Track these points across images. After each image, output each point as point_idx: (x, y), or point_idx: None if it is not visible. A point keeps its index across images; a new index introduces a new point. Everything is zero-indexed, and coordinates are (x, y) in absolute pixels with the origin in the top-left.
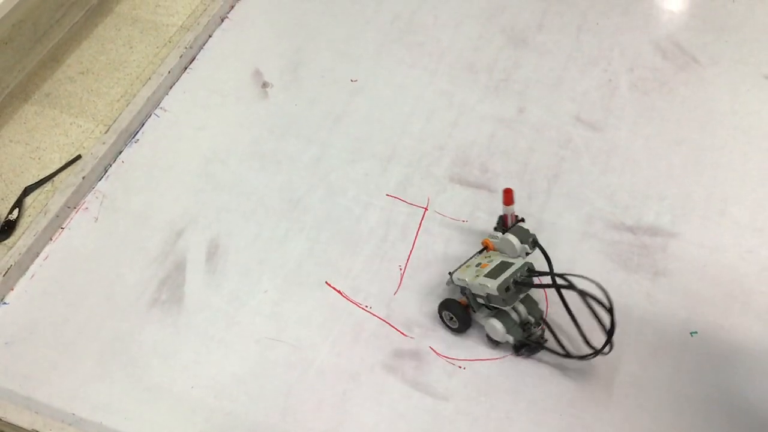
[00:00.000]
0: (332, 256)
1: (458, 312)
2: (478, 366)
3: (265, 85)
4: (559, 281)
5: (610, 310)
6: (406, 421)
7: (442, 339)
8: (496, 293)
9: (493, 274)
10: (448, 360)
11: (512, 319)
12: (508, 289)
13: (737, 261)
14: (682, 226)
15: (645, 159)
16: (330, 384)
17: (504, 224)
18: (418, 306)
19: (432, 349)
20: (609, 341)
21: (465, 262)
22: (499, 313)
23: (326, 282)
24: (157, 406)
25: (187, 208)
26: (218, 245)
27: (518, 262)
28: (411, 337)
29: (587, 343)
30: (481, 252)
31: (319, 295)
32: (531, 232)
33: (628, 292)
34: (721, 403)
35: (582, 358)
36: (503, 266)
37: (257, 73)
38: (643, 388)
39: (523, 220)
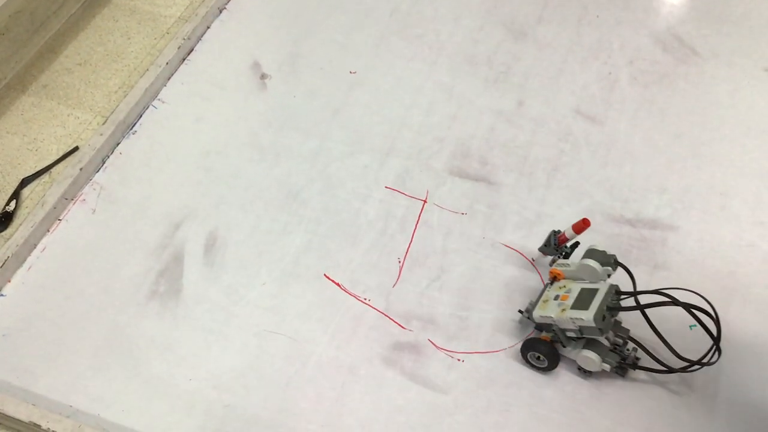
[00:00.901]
0: (331, 248)
1: (546, 350)
2: (477, 359)
3: (263, 76)
4: (655, 298)
5: (716, 320)
6: (404, 414)
7: (441, 332)
8: (592, 324)
9: (580, 304)
10: (447, 353)
11: (604, 345)
12: (603, 317)
13: (737, 254)
14: (681, 219)
15: (644, 152)
16: (329, 377)
17: (557, 245)
18: (417, 299)
19: (431, 341)
20: (717, 348)
21: (539, 298)
22: (589, 343)
23: (325, 274)
24: (155, 399)
25: (185, 200)
26: (217, 237)
27: (602, 287)
28: (410, 330)
29: (679, 356)
30: (551, 283)
31: (318, 287)
32: (609, 252)
33: (628, 286)
34: (720, 397)
35: (684, 370)
36: (587, 294)
37: (256, 65)
38: (641, 382)
39: (578, 244)
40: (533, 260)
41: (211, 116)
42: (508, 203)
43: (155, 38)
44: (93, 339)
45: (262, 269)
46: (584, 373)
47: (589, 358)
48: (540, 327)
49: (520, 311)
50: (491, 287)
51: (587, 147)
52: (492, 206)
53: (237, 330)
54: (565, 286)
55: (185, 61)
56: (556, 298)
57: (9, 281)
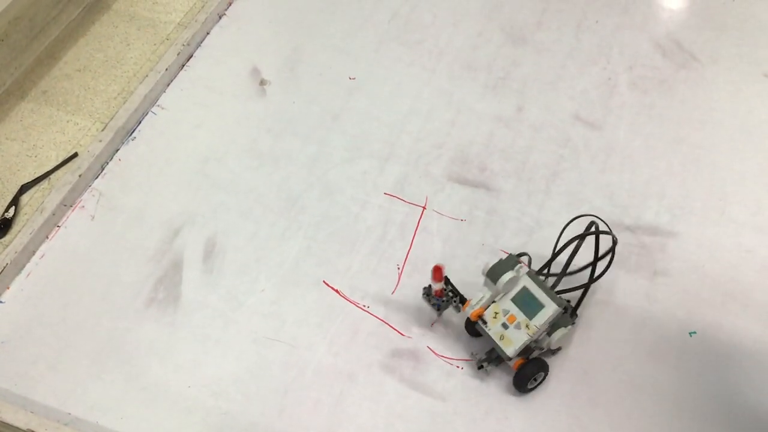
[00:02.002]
0: (330, 255)
1: (537, 367)
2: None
3: (262, 82)
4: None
5: (603, 222)
6: (403, 421)
7: (440, 339)
8: (561, 310)
9: (533, 309)
10: (446, 360)
11: (557, 315)
12: (561, 301)
13: (736, 260)
14: (681, 225)
15: (644, 158)
16: (327, 384)
17: (447, 298)
18: (416, 305)
19: (430, 349)
20: (612, 236)
21: (493, 343)
22: (551, 326)
23: (324, 281)
24: (154, 406)
25: (184, 207)
26: (215, 244)
27: (526, 282)
28: (409, 337)
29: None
30: (483, 324)
31: (317, 294)
32: (490, 261)
33: (627, 292)
34: (720, 403)
35: (594, 275)
36: (524, 298)
37: (255, 71)
38: (641, 388)
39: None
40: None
41: (211, 122)
42: (507, 209)
43: (155, 44)
44: (92, 346)
45: (260, 275)
46: (555, 353)
47: (562, 334)
48: (497, 360)
49: (480, 366)
50: None
51: (586, 153)
52: (491, 212)
53: (235, 336)
54: (497, 313)
55: (184, 67)
56: (506, 327)
57: (8, 288)
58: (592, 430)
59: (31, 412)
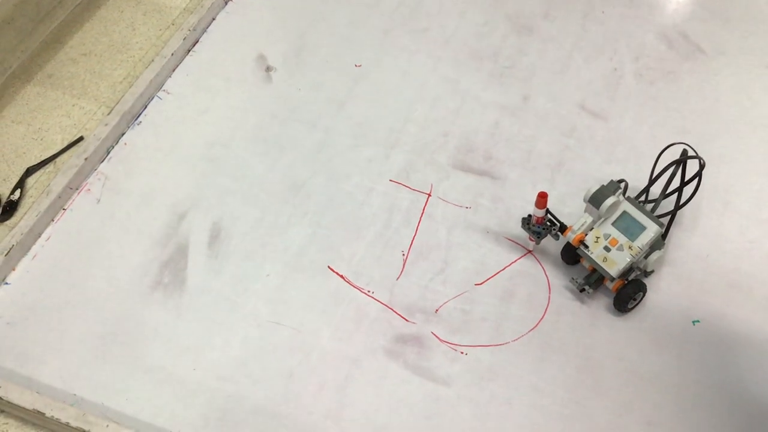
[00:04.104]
0: (335, 241)
1: (637, 287)
2: (480, 352)
3: (268, 69)
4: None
5: (696, 154)
6: (407, 406)
7: (444, 325)
8: (661, 231)
9: (634, 232)
10: (450, 345)
11: (658, 235)
12: (661, 223)
13: (740, 251)
14: (685, 215)
15: (649, 148)
16: (331, 368)
17: (546, 225)
18: (420, 291)
19: (434, 334)
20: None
21: (596, 265)
22: (650, 248)
23: (329, 267)
24: (159, 388)
25: (189, 192)
26: (221, 229)
27: (626, 206)
28: (413, 323)
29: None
30: (585, 248)
31: (322, 279)
32: (598, 185)
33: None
34: (723, 392)
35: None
36: (626, 221)
37: (261, 57)
38: (644, 376)
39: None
40: (531, 250)
41: (216, 108)
42: (511, 198)
43: (160, 29)
44: (97, 328)
45: (266, 261)
46: (648, 274)
47: (658, 257)
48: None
49: (581, 289)
50: (494, 281)
51: (592, 142)
52: (496, 200)
53: (241, 321)
54: (599, 237)
55: (190, 53)
56: (609, 249)
57: (14, 270)
58: (595, 417)
59: (37, 393)
